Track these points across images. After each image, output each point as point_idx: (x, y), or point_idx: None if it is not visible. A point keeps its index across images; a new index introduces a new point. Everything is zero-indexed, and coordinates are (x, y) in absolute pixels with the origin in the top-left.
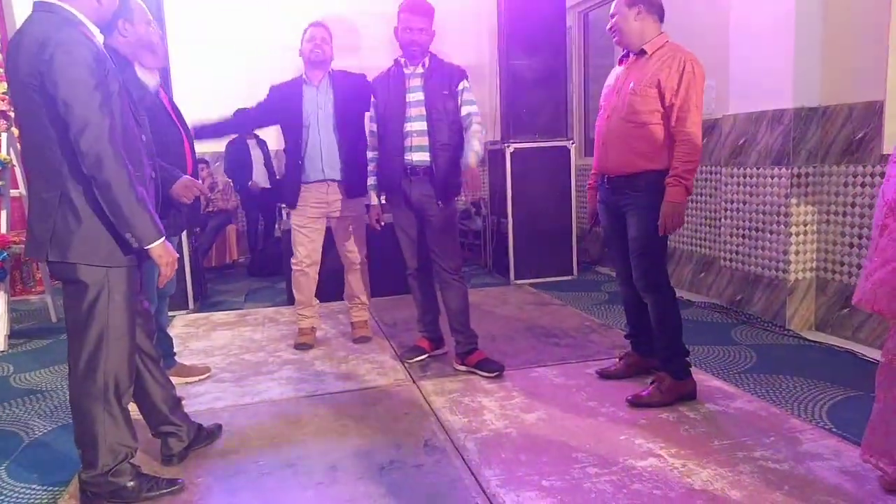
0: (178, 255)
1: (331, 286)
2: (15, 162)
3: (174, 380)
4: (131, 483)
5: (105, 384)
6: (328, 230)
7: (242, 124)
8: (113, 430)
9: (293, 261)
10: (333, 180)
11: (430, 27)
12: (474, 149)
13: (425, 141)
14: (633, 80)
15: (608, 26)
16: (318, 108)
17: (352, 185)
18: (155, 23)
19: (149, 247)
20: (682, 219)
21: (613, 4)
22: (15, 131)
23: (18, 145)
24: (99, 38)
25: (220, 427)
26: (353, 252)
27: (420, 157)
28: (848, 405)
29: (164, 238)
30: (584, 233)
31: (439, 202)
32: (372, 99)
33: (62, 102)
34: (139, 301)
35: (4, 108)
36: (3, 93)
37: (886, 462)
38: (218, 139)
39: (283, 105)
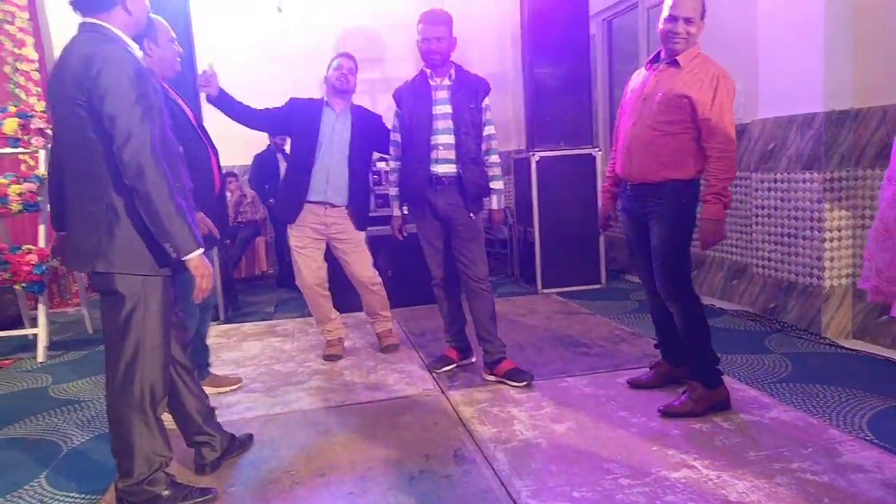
0: (212, 269)
1: (354, 297)
2: None
3: (207, 390)
4: (166, 492)
5: (141, 394)
6: (330, 254)
7: (255, 119)
8: (148, 439)
9: (299, 284)
10: (333, 205)
11: (449, 35)
12: (499, 189)
13: (452, 154)
14: (663, 89)
15: (673, 28)
16: (334, 133)
17: (359, 216)
18: (176, 40)
19: (186, 258)
20: (723, 234)
21: (676, 6)
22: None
23: None
24: (138, 54)
25: (251, 437)
26: (365, 275)
27: (446, 168)
28: (890, 415)
29: (202, 250)
30: (610, 239)
31: (472, 213)
32: (395, 109)
33: (107, 116)
34: (174, 312)
35: (43, 125)
36: (42, 111)
37: None
38: (226, 113)
39: (301, 119)
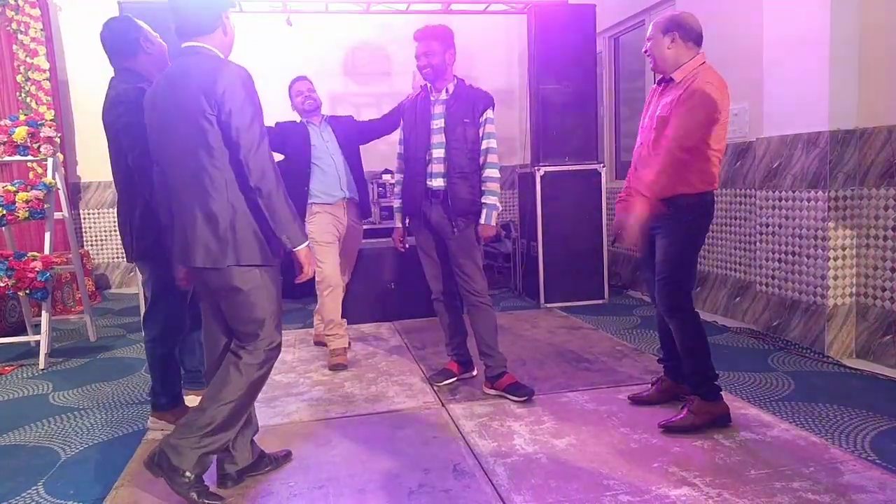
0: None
1: (360, 307)
2: (60, 186)
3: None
4: (191, 474)
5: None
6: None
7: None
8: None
9: (325, 277)
10: (351, 199)
11: (441, 50)
12: (490, 204)
13: (443, 168)
14: (660, 107)
15: (644, 49)
16: (326, 142)
17: (364, 203)
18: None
19: (297, 248)
20: (635, 235)
21: (650, 27)
22: (60, 156)
23: (63, 170)
24: None
25: (289, 454)
26: (347, 269)
27: (439, 182)
28: (893, 436)
29: (308, 241)
30: (614, 255)
31: (454, 229)
32: (401, 122)
33: (234, 128)
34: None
35: (52, 134)
36: (51, 120)
37: None
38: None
39: (293, 137)
